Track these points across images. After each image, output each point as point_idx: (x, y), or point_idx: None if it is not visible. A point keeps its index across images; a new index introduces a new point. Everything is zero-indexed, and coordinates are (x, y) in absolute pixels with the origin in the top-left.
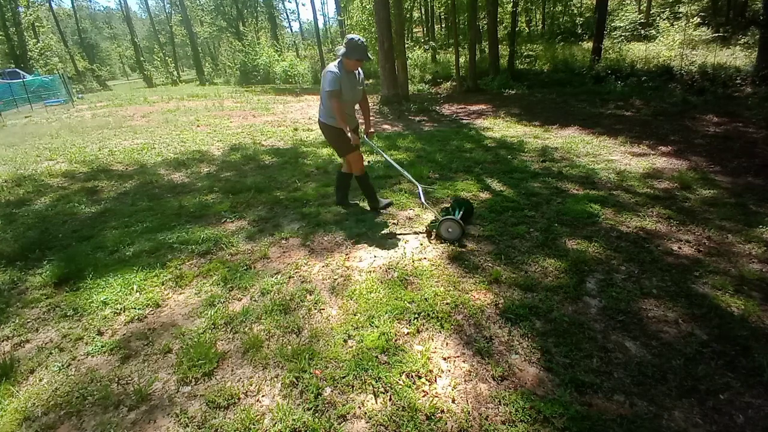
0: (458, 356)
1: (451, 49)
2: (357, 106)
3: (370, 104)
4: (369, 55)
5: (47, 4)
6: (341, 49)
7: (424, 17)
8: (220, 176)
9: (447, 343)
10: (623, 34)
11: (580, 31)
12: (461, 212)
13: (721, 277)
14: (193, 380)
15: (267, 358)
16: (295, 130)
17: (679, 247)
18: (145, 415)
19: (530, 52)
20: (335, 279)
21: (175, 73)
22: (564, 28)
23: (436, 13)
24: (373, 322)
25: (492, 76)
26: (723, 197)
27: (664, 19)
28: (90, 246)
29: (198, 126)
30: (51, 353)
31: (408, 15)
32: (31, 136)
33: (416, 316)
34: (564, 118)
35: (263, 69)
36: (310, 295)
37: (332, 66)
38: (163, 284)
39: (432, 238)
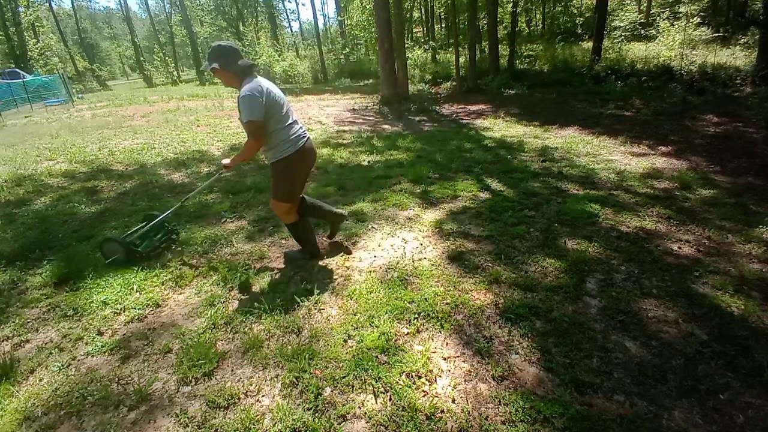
0: (458, 356)
1: (451, 49)
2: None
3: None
4: (206, 63)
5: (47, 4)
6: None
7: (424, 17)
8: (220, 176)
9: (447, 343)
10: (623, 34)
11: (580, 31)
12: (158, 236)
13: (721, 277)
14: (193, 380)
15: (267, 358)
16: None
17: (679, 247)
18: (145, 415)
19: (530, 52)
20: (335, 279)
21: (175, 73)
22: (564, 28)
23: (436, 13)
24: (373, 322)
25: (492, 76)
26: (723, 197)
27: (664, 19)
28: (90, 246)
29: (198, 126)
30: (51, 353)
31: (408, 15)
32: (31, 136)
33: (416, 316)
34: (564, 118)
35: (263, 69)
36: (310, 295)
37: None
38: (163, 284)
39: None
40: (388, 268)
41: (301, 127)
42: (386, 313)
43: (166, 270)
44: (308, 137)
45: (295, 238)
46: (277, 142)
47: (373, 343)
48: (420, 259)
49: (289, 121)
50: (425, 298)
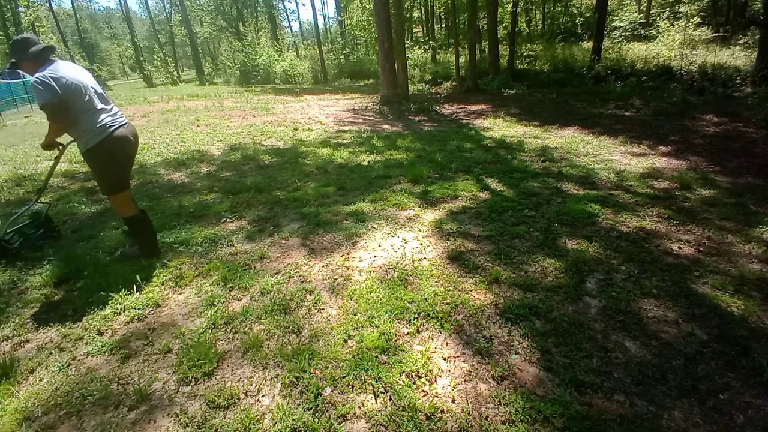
0: (458, 356)
1: (451, 49)
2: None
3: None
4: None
5: (47, 4)
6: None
7: (424, 17)
8: (220, 176)
9: (447, 343)
10: (623, 34)
11: (580, 31)
12: (34, 232)
13: (721, 277)
14: (193, 380)
15: (267, 358)
16: (295, 130)
17: (679, 247)
18: (145, 415)
19: (530, 52)
20: (335, 279)
21: (175, 73)
22: (564, 28)
23: (436, 13)
24: (373, 322)
25: (492, 76)
26: (723, 197)
27: (664, 19)
28: (90, 246)
29: (198, 126)
30: (51, 353)
31: (408, 15)
32: (31, 136)
33: (416, 316)
34: (564, 118)
35: (263, 69)
36: (310, 295)
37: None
38: (163, 284)
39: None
40: (388, 268)
41: (109, 116)
42: (386, 313)
43: (166, 270)
44: (119, 125)
45: (134, 232)
46: (80, 131)
47: (373, 343)
48: (420, 259)
49: (94, 109)
50: (425, 298)
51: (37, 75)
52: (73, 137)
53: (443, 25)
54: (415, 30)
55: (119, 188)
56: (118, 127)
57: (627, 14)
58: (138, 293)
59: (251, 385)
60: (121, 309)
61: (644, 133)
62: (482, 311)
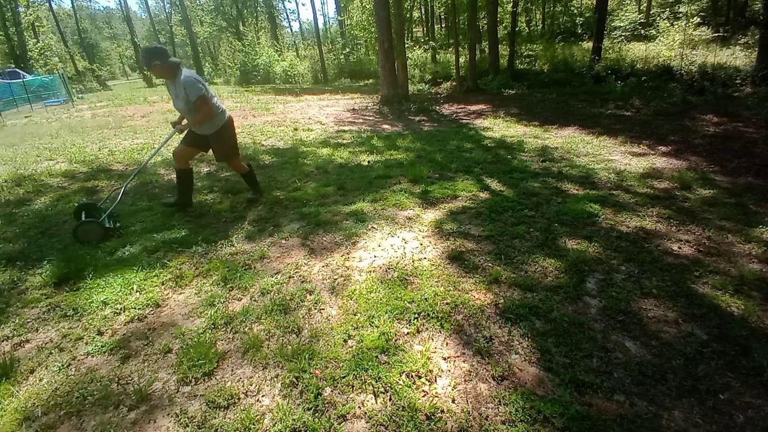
0: (458, 356)
1: (451, 49)
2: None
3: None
4: (148, 63)
5: (47, 4)
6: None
7: (424, 17)
8: (220, 176)
9: (447, 343)
10: (623, 34)
11: (580, 31)
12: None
13: (721, 277)
14: (193, 380)
15: (267, 358)
16: (295, 130)
17: (679, 247)
18: (145, 415)
19: (530, 52)
20: (335, 279)
21: None
22: (564, 28)
23: (436, 13)
24: (373, 322)
25: (492, 76)
26: (723, 197)
27: (664, 19)
28: (90, 246)
29: None
30: (51, 353)
31: (408, 15)
32: (31, 136)
33: (416, 316)
34: (564, 118)
35: (263, 69)
36: (310, 295)
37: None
38: (163, 284)
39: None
40: (388, 268)
41: (222, 106)
42: (386, 313)
43: (166, 270)
44: (227, 113)
45: (250, 183)
46: (215, 113)
47: (373, 343)
48: (420, 259)
49: (217, 101)
50: (425, 298)
51: (189, 76)
52: (200, 124)
53: (443, 25)
54: (415, 30)
55: (238, 154)
56: (227, 113)
57: (627, 14)
58: (138, 293)
59: (251, 385)
60: (121, 309)
61: (644, 133)
62: (482, 311)
